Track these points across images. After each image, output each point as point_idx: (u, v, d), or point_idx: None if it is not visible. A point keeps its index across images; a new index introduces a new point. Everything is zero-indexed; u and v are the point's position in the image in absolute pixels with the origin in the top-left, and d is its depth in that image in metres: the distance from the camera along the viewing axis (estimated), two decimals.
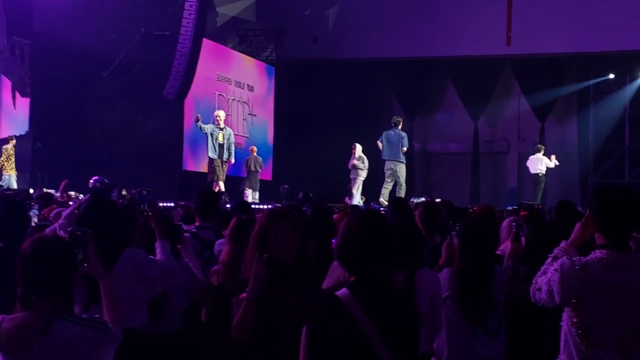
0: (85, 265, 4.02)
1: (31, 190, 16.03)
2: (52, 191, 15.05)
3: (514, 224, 6.34)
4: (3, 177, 19.06)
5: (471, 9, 25.08)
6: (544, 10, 24.58)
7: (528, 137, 26.83)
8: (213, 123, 18.72)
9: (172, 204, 13.88)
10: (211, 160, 18.45)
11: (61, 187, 14.39)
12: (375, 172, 19.66)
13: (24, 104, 20.13)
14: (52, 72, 19.47)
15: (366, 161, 19.49)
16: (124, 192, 14.77)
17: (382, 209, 15.04)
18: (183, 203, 13.03)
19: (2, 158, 19.20)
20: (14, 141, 19.33)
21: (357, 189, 19.58)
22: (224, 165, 18.51)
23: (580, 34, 24.18)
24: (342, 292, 3.45)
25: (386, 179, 18.88)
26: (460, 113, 26.76)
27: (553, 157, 22.25)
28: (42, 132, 19.50)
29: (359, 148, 19.70)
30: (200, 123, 18.31)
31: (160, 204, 13.79)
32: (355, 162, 19.43)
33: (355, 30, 26.12)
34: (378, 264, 3.49)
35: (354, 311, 3.36)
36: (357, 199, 19.39)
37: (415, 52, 26.05)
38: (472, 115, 26.49)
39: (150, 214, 5.37)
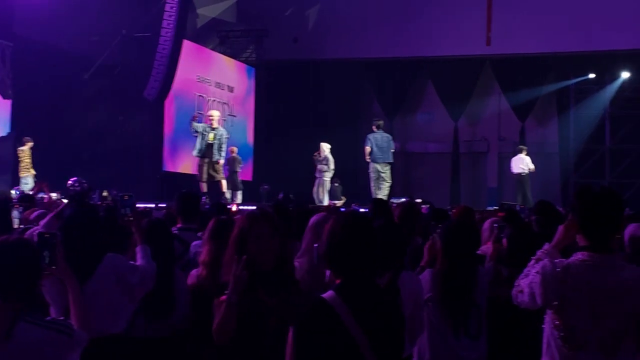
0: (53, 267, 4.01)
1: (13, 192, 15.96)
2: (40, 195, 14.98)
3: (495, 225, 6.34)
4: (22, 179, 18.93)
5: (451, 9, 25.13)
6: (523, 10, 24.65)
7: (508, 137, 26.89)
8: (206, 122, 18.58)
9: (152, 205, 13.85)
10: (199, 159, 18.23)
11: (36, 189, 14.35)
12: (353, 173, 19.78)
13: (5, 105, 20.00)
14: (33, 74, 19.39)
15: (331, 162, 19.77)
16: (104, 194, 14.69)
17: None
18: (164, 205, 13.00)
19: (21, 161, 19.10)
20: (31, 143, 19.23)
21: (324, 190, 19.92)
22: (215, 166, 18.13)
23: (560, 33, 24.26)
24: (329, 294, 3.46)
25: (375, 181, 18.95)
26: (440, 113, 26.79)
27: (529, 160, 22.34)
28: (23, 134, 19.38)
29: (325, 148, 19.82)
30: (195, 122, 18.20)
31: (141, 205, 13.76)
32: (320, 165, 19.93)
33: (335, 31, 26.13)
34: (363, 266, 3.51)
35: (341, 313, 3.38)
36: (326, 200, 19.70)
37: (395, 53, 26.07)
38: (452, 115, 26.52)
39: (131, 218, 5.35)
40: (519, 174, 22.18)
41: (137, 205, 6.04)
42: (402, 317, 3.65)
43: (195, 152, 18.14)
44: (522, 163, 22.18)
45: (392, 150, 19.12)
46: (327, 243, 3.58)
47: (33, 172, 19.00)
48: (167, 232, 5.77)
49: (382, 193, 18.53)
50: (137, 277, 5.01)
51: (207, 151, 17.82)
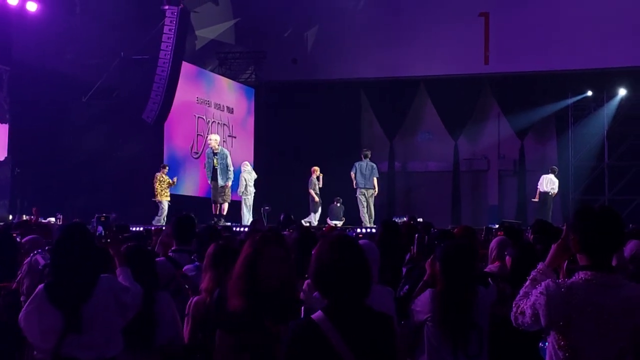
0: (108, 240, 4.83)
1: (10, 217, 15.97)
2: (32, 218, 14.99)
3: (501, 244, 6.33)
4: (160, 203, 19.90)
5: (449, 28, 25.18)
6: (520, 28, 24.74)
7: (508, 155, 26.94)
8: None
9: (151, 228, 13.81)
10: (212, 183, 18.96)
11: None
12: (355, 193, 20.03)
13: (2, 129, 20.04)
14: (31, 98, 19.45)
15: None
16: (103, 218, 14.66)
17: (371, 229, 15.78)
18: (153, 228, 13.00)
19: (157, 185, 20.01)
20: (166, 168, 20.31)
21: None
22: (226, 190, 18.83)
23: (557, 52, 24.32)
24: (318, 315, 3.44)
25: (362, 204, 19.96)
26: (440, 132, 26.81)
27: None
28: (21, 158, 19.40)
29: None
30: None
31: (139, 229, 13.71)
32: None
33: (334, 52, 26.17)
34: (351, 288, 3.49)
35: (330, 335, 3.36)
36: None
37: (394, 72, 26.13)
38: (452, 134, 26.53)
39: (109, 240, 5.31)
40: (546, 193, 22.17)
41: (140, 228, 6.06)
42: (392, 339, 3.60)
43: (208, 179, 19.16)
44: (552, 183, 22.21)
45: (376, 178, 20.09)
46: (314, 265, 3.57)
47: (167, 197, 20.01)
48: (147, 257, 5.72)
49: (370, 212, 19.86)
50: (130, 298, 4.98)
51: (214, 175, 18.47)
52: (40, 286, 4.89)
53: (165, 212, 19.54)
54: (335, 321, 3.40)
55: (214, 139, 19.06)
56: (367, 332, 3.46)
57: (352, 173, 19.99)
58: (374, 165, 20.24)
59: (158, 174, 20.03)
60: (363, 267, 3.55)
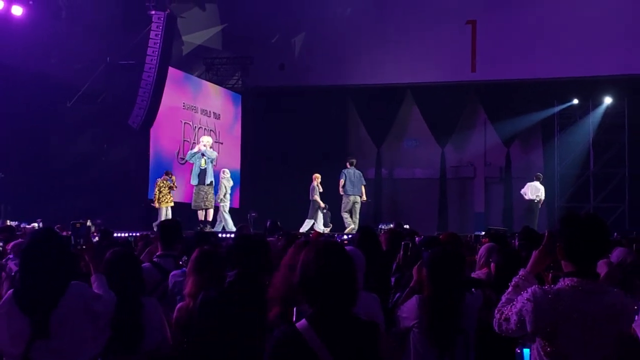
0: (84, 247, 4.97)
1: None
2: (14, 223, 14.89)
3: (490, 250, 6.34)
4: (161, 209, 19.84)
5: (436, 36, 25.27)
6: (508, 37, 24.83)
7: (494, 162, 27.00)
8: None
9: (137, 234, 13.73)
10: (196, 187, 18.73)
11: None
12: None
13: None
14: (15, 102, 19.32)
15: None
16: (88, 223, 14.59)
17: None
18: (138, 234, 12.93)
19: (156, 190, 19.97)
20: (169, 175, 20.27)
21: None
22: (209, 194, 18.74)
23: (543, 60, 24.41)
24: (302, 323, 3.40)
25: (347, 212, 20.22)
26: (427, 139, 26.85)
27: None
28: (5, 163, 19.29)
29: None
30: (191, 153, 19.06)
31: (123, 235, 13.66)
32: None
33: (321, 58, 26.19)
34: (338, 295, 3.45)
35: (313, 344, 3.32)
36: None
37: (381, 79, 26.15)
38: (439, 141, 26.57)
39: (84, 247, 5.27)
40: (532, 201, 22.26)
41: (124, 234, 6.03)
42: (377, 347, 3.54)
43: (191, 181, 19.21)
44: (537, 190, 22.28)
45: (364, 185, 20.54)
46: (300, 271, 3.53)
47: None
48: (134, 262, 5.68)
49: (355, 219, 20.07)
50: (101, 306, 4.93)
51: (202, 178, 18.44)
52: (10, 292, 4.86)
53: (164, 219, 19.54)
54: (320, 329, 3.35)
55: (206, 141, 19.07)
56: (351, 341, 3.41)
57: (341, 180, 20.15)
58: (361, 173, 20.49)
59: (159, 180, 20.06)
60: (350, 274, 3.51)
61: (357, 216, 20.29)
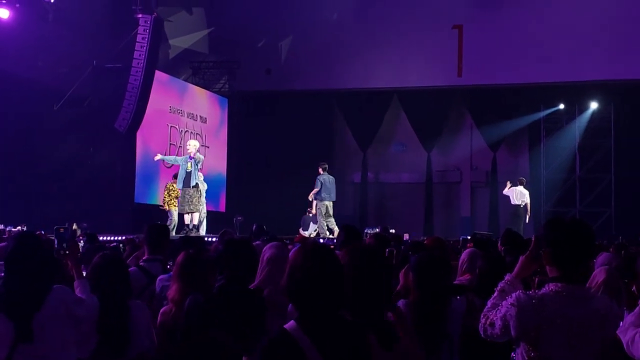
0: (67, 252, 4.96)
1: None
2: (0, 227, 14.82)
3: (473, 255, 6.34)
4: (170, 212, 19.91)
5: (423, 41, 25.34)
6: (494, 41, 24.90)
7: (480, 167, 27.08)
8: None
9: (123, 238, 13.72)
10: (181, 191, 18.64)
11: None
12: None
13: None
14: (1, 105, 19.23)
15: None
16: (74, 227, 14.56)
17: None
18: (124, 238, 12.91)
19: (165, 194, 20.14)
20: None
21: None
22: (194, 198, 18.60)
23: (529, 65, 24.48)
24: (291, 325, 3.40)
25: (323, 216, 20.26)
26: (413, 143, 26.90)
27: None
28: None
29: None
30: (173, 157, 19.07)
31: (110, 238, 13.62)
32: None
33: (308, 62, 26.19)
34: (327, 297, 3.44)
35: (303, 345, 3.32)
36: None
37: (368, 84, 26.19)
38: (425, 146, 26.61)
39: (67, 252, 5.25)
40: (517, 206, 22.34)
41: (110, 237, 6.02)
42: (367, 349, 3.55)
43: (177, 184, 18.81)
44: (522, 196, 22.39)
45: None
46: (288, 273, 3.52)
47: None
48: (122, 266, 5.68)
49: (331, 225, 20.01)
50: (83, 310, 4.92)
51: (187, 181, 18.33)
52: None
53: (176, 222, 19.61)
54: (309, 330, 3.36)
55: (193, 145, 19.01)
56: (340, 342, 3.41)
57: (316, 188, 20.23)
58: (334, 178, 20.56)
59: (168, 183, 20.14)
60: (338, 276, 3.50)
61: (332, 217, 20.43)
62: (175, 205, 19.58)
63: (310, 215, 22.49)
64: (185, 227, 18.92)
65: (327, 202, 20.22)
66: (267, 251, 6.11)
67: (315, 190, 20.23)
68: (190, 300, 5.10)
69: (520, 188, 22.62)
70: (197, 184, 18.52)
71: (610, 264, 7.43)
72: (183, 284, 5.25)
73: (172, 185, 19.77)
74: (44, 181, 20.10)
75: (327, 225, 20.18)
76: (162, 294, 6.08)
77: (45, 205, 19.23)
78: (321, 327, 3.40)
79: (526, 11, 24.85)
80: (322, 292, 3.43)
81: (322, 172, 20.31)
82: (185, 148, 19.35)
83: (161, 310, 5.40)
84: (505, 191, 22.85)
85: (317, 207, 20.41)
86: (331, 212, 20.37)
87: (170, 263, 6.68)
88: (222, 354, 4.18)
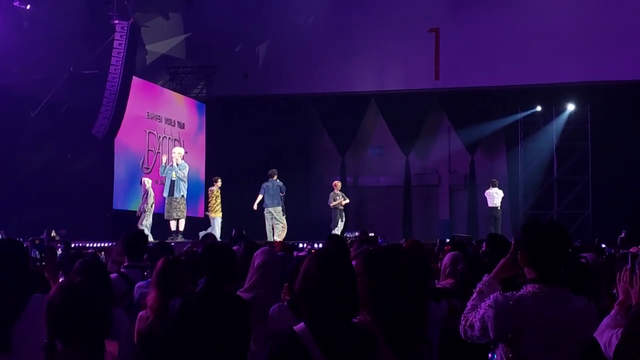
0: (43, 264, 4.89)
1: None
2: None
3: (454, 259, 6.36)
4: (211, 219, 20.45)
5: (400, 44, 25.37)
6: (471, 44, 24.96)
7: (458, 169, 27.16)
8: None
9: (103, 244, 13.69)
10: (167, 198, 18.82)
11: None
12: (305, 208, 20.02)
13: None
14: None
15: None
16: (53, 234, 14.49)
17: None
18: (103, 245, 12.87)
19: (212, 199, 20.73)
20: (219, 183, 20.94)
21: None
22: (181, 205, 18.81)
23: (506, 67, 24.56)
24: (300, 327, 3.42)
25: (270, 222, 20.78)
26: (391, 147, 26.92)
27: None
28: None
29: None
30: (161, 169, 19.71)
31: (87, 245, 13.55)
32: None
33: (285, 67, 26.18)
34: (339, 305, 3.46)
35: (310, 348, 3.34)
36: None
37: (345, 87, 26.20)
38: (403, 149, 26.64)
39: (43, 263, 5.22)
40: (494, 208, 22.47)
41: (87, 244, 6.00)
42: (372, 355, 3.55)
43: (164, 193, 19.47)
44: (497, 197, 22.50)
45: (282, 194, 20.95)
46: (301, 283, 3.53)
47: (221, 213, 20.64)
48: (103, 272, 5.66)
49: (277, 234, 20.34)
50: None
51: (171, 189, 18.57)
52: None
53: (218, 230, 20.13)
54: (317, 334, 3.38)
55: (178, 152, 19.12)
56: (348, 347, 3.42)
57: (260, 195, 20.75)
58: (280, 184, 20.91)
59: (214, 189, 20.80)
60: (352, 284, 3.52)
61: (284, 222, 20.76)
62: (215, 212, 19.72)
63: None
64: (172, 234, 19.00)
65: (270, 209, 20.60)
66: (258, 257, 6.17)
67: (260, 197, 20.74)
68: (172, 305, 5.10)
69: (496, 189, 22.79)
70: (182, 195, 18.71)
71: (595, 263, 7.53)
72: (162, 290, 5.24)
73: (218, 191, 19.92)
74: (22, 188, 20.00)
75: (274, 231, 20.46)
76: (140, 300, 6.07)
77: (23, 212, 19.15)
78: (332, 334, 3.41)
79: (503, 14, 24.96)
80: (335, 300, 3.45)
81: (273, 178, 20.82)
82: (168, 154, 19.42)
83: (139, 315, 5.39)
84: (488, 192, 22.95)
85: (265, 212, 20.74)
86: (278, 217, 20.64)
87: (148, 271, 6.69)
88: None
